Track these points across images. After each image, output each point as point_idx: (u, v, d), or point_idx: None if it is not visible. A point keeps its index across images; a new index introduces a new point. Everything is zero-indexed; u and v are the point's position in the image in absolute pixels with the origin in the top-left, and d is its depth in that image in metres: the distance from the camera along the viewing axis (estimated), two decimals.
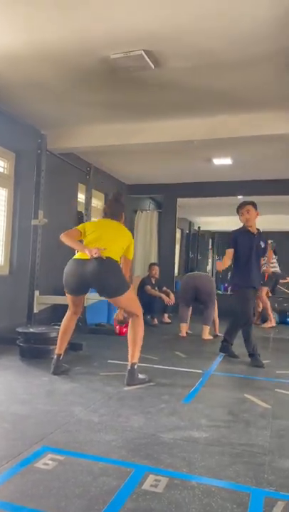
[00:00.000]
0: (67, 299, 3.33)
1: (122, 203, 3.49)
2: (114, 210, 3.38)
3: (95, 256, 2.95)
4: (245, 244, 3.97)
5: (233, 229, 4.16)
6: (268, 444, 2.08)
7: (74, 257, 3.20)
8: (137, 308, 3.21)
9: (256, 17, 2.84)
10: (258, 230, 4.08)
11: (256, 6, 2.72)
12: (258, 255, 4.02)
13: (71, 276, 3.13)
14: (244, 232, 4.04)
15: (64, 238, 3.17)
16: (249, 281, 3.92)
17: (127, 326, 3.41)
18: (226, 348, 4.18)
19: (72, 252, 3.28)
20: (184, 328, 4.99)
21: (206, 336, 4.53)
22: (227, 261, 3.98)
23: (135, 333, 3.13)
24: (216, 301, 5.26)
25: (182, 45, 3.23)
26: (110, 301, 3.24)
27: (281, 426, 2.35)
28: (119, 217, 3.38)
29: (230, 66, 3.54)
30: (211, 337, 4.89)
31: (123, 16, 2.89)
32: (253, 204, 4.07)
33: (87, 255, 2.99)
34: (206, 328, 4.61)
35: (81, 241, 3.23)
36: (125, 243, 3.25)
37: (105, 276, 3.04)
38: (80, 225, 3.36)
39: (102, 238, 3.15)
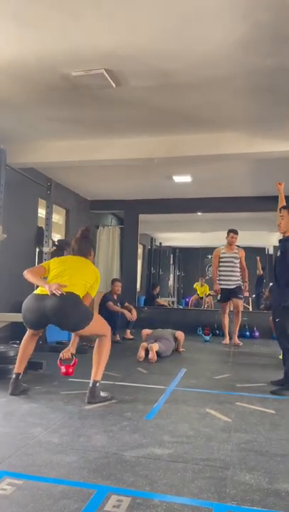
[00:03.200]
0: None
1: (89, 239, 3.45)
2: (82, 248, 3.34)
3: (54, 292, 2.87)
4: None
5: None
6: (229, 458, 2.10)
7: (34, 291, 3.12)
8: (105, 330, 3.17)
9: (213, 40, 2.97)
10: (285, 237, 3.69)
11: (213, 29, 2.85)
12: (276, 266, 3.68)
13: (30, 312, 3.02)
14: None
15: (27, 275, 3.13)
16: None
17: (74, 366, 3.25)
18: None
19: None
20: (144, 346, 4.79)
21: (153, 350, 4.56)
22: None
23: (101, 352, 3.09)
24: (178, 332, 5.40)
25: (142, 65, 3.31)
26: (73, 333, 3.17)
27: (241, 439, 2.38)
28: (87, 255, 3.34)
29: (189, 87, 3.65)
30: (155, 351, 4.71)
31: (84, 35, 2.94)
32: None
33: (47, 291, 2.93)
34: (156, 345, 4.65)
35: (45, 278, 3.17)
36: (90, 280, 3.17)
37: (65, 312, 2.95)
38: (46, 262, 3.32)
39: (65, 273, 3.09)
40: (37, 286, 3.15)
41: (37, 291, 3.08)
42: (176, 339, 5.37)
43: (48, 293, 2.91)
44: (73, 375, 3.30)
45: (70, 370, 3.24)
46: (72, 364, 3.27)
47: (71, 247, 3.39)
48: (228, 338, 6.45)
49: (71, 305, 2.97)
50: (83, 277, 3.13)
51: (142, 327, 5.61)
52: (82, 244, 3.35)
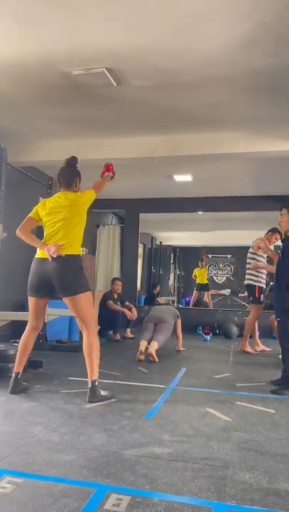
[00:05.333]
0: (29, 308, 3.23)
1: (75, 167, 3.34)
2: (68, 177, 3.25)
3: (54, 256, 2.96)
4: None
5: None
6: (229, 457, 2.11)
7: (36, 255, 3.17)
8: (90, 318, 3.14)
9: (215, 40, 2.96)
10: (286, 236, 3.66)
11: (215, 29, 2.84)
12: (277, 266, 3.66)
13: (34, 276, 3.13)
14: None
15: (21, 236, 3.16)
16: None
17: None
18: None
19: (31, 260, 3.21)
20: (144, 344, 4.74)
21: (153, 350, 4.54)
22: None
23: (90, 348, 3.06)
24: (180, 320, 5.30)
25: (143, 64, 3.31)
26: (68, 303, 3.11)
27: (241, 438, 2.38)
28: (73, 185, 3.25)
29: (190, 86, 3.65)
30: (155, 351, 4.61)
31: (85, 33, 2.93)
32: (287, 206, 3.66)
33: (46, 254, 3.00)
34: (155, 344, 4.63)
35: (39, 234, 3.14)
36: (85, 207, 3.23)
37: (65, 274, 3.03)
38: (33, 211, 3.25)
39: (60, 228, 3.10)
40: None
41: (38, 255, 3.14)
42: (175, 322, 5.24)
43: (48, 257, 2.99)
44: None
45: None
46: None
47: (57, 177, 3.32)
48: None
49: (70, 268, 3.06)
50: (77, 221, 3.15)
51: None
52: (67, 173, 3.27)
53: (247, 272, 5.71)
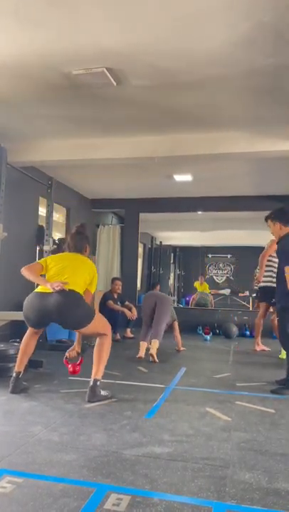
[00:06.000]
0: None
1: (85, 235, 3.45)
2: (78, 244, 3.34)
3: (57, 289, 2.91)
4: None
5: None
6: (228, 457, 2.11)
7: (35, 290, 3.12)
8: (105, 329, 3.18)
9: (215, 40, 2.96)
10: (279, 239, 3.74)
11: (215, 29, 2.84)
12: (278, 265, 3.71)
13: (32, 310, 3.03)
14: None
15: (25, 272, 3.10)
16: None
17: (80, 364, 3.30)
18: None
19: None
20: (144, 346, 4.82)
21: (154, 350, 4.53)
22: None
23: (102, 350, 3.10)
24: (176, 322, 5.30)
25: (143, 64, 3.31)
26: (77, 331, 3.19)
27: (241, 438, 2.38)
28: (83, 251, 3.34)
29: (190, 86, 3.65)
30: (156, 350, 4.61)
31: (85, 33, 2.93)
32: (270, 216, 3.77)
33: (48, 289, 2.94)
34: (155, 343, 4.61)
35: (43, 276, 3.15)
36: (89, 277, 3.18)
37: (68, 309, 2.97)
38: (42, 259, 3.31)
39: (64, 271, 3.09)
40: (37, 285, 3.16)
41: (38, 290, 3.08)
42: (172, 324, 5.26)
43: (51, 290, 2.93)
44: (78, 373, 3.32)
45: (77, 369, 3.30)
46: (78, 363, 3.32)
47: (66, 243, 3.40)
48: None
49: (74, 302, 2.99)
50: (82, 275, 3.15)
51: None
52: (77, 240, 3.35)
53: (264, 274, 5.64)
